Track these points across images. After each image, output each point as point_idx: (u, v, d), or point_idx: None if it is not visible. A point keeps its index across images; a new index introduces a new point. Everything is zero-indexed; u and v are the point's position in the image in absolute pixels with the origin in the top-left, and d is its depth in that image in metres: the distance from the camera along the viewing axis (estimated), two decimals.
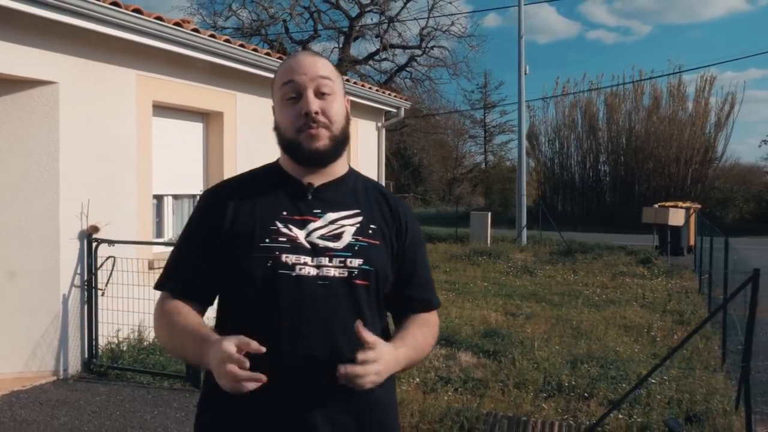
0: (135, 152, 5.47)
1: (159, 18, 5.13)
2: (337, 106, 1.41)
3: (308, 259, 1.33)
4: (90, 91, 5.06)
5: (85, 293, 5.07)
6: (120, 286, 5.12)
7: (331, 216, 1.39)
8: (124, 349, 5.18)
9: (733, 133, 49.06)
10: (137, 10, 4.92)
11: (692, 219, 13.69)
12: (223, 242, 1.36)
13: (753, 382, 4.94)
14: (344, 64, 23.76)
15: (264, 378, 1.16)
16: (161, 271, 1.48)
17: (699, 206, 15.07)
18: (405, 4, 24.21)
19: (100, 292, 5.08)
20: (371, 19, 25.23)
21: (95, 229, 5.06)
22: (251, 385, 1.16)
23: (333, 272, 1.33)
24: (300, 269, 1.32)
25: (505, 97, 35.55)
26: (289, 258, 1.32)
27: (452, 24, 24.51)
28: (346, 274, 1.34)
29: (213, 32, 5.95)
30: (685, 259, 12.70)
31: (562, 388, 4.44)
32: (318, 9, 24.67)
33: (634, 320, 6.90)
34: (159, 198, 6.14)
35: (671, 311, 7.45)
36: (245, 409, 1.32)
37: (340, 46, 25.19)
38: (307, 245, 1.34)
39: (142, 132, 5.53)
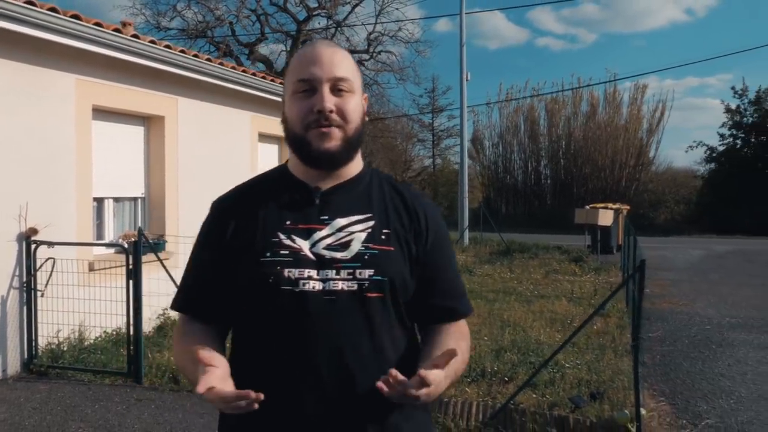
0: (75, 155, 5.56)
1: (98, 24, 5.25)
2: (354, 104, 1.29)
3: (313, 273, 1.22)
4: (27, 94, 5.13)
5: (24, 295, 5.13)
6: (60, 287, 5.21)
7: (340, 222, 1.27)
8: (65, 349, 5.26)
9: (670, 138, 51.47)
10: (75, 16, 5.03)
11: (621, 219, 14.48)
12: (233, 253, 1.27)
13: (654, 363, 5.48)
14: None
15: (253, 395, 1.06)
16: (176, 289, 1.40)
17: (628, 207, 15.93)
18: (353, 8, 24.55)
19: (39, 294, 5.15)
20: (319, 23, 25.45)
21: (34, 231, 5.14)
22: (242, 403, 1.07)
23: (341, 285, 1.21)
24: (303, 284, 1.21)
25: (453, 101, 36.12)
26: (292, 272, 1.21)
27: (399, 29, 25.01)
28: (355, 286, 1.22)
29: (153, 38, 6.09)
30: (614, 257, 13.41)
31: (486, 374, 4.80)
32: (265, 12, 24.72)
33: (560, 313, 7.37)
34: (99, 200, 6.22)
35: (595, 305, 7.95)
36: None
37: (288, 49, 25.27)
38: (312, 257, 1.23)
39: (81, 135, 5.63)
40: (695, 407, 4.49)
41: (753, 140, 25.21)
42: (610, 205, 15.31)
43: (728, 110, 25.56)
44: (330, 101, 1.25)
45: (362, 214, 1.29)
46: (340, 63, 1.28)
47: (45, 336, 5.22)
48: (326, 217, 1.27)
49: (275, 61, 25.22)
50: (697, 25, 62.09)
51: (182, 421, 4.02)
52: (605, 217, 13.97)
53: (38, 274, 5.14)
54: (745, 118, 25.36)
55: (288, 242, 1.24)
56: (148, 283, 4.96)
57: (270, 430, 1.20)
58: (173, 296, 1.38)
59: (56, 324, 5.25)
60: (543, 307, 7.74)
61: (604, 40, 61.03)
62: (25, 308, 5.13)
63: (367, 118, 1.36)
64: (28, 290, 5.13)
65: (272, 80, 8.22)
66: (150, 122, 6.71)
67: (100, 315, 5.31)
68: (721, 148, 25.95)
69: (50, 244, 5.13)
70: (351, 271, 1.22)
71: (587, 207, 15.06)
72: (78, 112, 5.59)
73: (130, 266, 4.76)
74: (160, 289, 5.34)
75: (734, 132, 25.63)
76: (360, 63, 25.73)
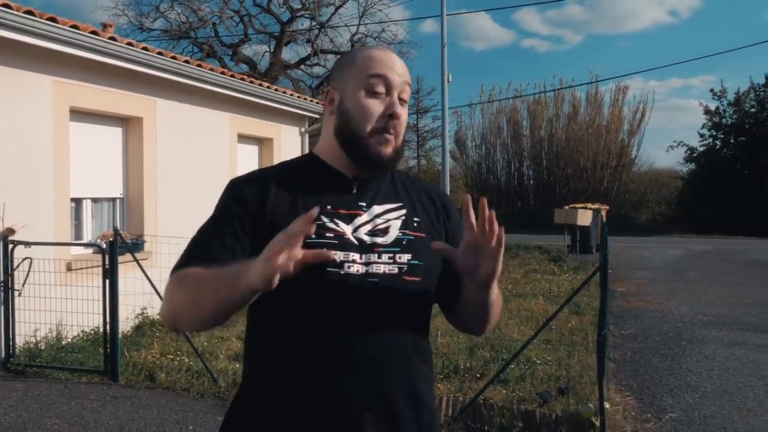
0: (52, 156, 5.59)
1: (74, 26, 5.29)
2: (406, 115, 1.36)
3: (357, 256, 1.25)
4: (4, 96, 5.16)
5: (2, 294, 5.16)
6: (38, 287, 5.24)
7: (377, 209, 1.32)
8: (43, 347, 5.29)
9: (654, 139, 51.93)
10: (52, 18, 5.07)
11: (599, 219, 14.69)
12: (261, 235, 1.20)
13: (624, 360, 5.61)
14: (275, 69, 23.90)
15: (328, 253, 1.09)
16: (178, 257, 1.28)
17: (607, 207, 16.12)
18: (336, 10, 24.62)
19: (17, 293, 5.18)
20: (302, 24, 25.50)
21: (12, 231, 5.17)
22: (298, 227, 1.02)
23: (383, 269, 1.26)
24: (348, 267, 1.23)
25: (437, 102, 36.52)
26: (338, 255, 1.23)
27: (383, 31, 25.11)
28: (396, 270, 1.26)
29: (131, 40, 6.12)
30: (593, 256, 13.58)
31: (458, 371, 4.91)
32: (248, 13, 24.74)
33: (536, 311, 7.49)
34: (78, 201, 6.25)
35: (571, 303, 8.09)
36: (290, 412, 1.23)
37: (272, 50, 25.30)
38: (355, 241, 1.26)
39: (59, 136, 5.66)
40: (661, 402, 4.62)
41: (732, 141, 25.56)
42: (589, 205, 15.49)
43: (707, 111, 25.89)
44: (399, 109, 1.30)
45: (394, 203, 1.35)
46: (406, 71, 1.34)
47: (23, 335, 5.24)
48: (364, 204, 1.32)
49: (259, 62, 25.25)
50: (681, 27, 63.00)
51: (157, 418, 4.07)
52: (584, 217, 14.14)
53: (16, 273, 5.17)
54: (724, 119, 25.70)
55: (332, 225, 1.26)
56: (125, 282, 5.01)
57: (304, 409, 1.22)
58: (173, 265, 1.27)
59: (34, 323, 5.28)
60: (520, 305, 7.86)
61: (589, 42, 61.71)
62: (2, 307, 5.16)
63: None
64: (6, 290, 5.15)
65: (251, 81, 8.27)
66: (128, 123, 6.74)
67: (78, 314, 5.35)
68: (701, 149, 26.26)
69: (28, 244, 5.16)
70: (391, 255, 1.27)
71: (566, 207, 15.23)
72: (55, 113, 5.62)
73: (107, 266, 4.81)
74: (136, 289, 5.39)
75: (714, 133, 25.95)
76: None
